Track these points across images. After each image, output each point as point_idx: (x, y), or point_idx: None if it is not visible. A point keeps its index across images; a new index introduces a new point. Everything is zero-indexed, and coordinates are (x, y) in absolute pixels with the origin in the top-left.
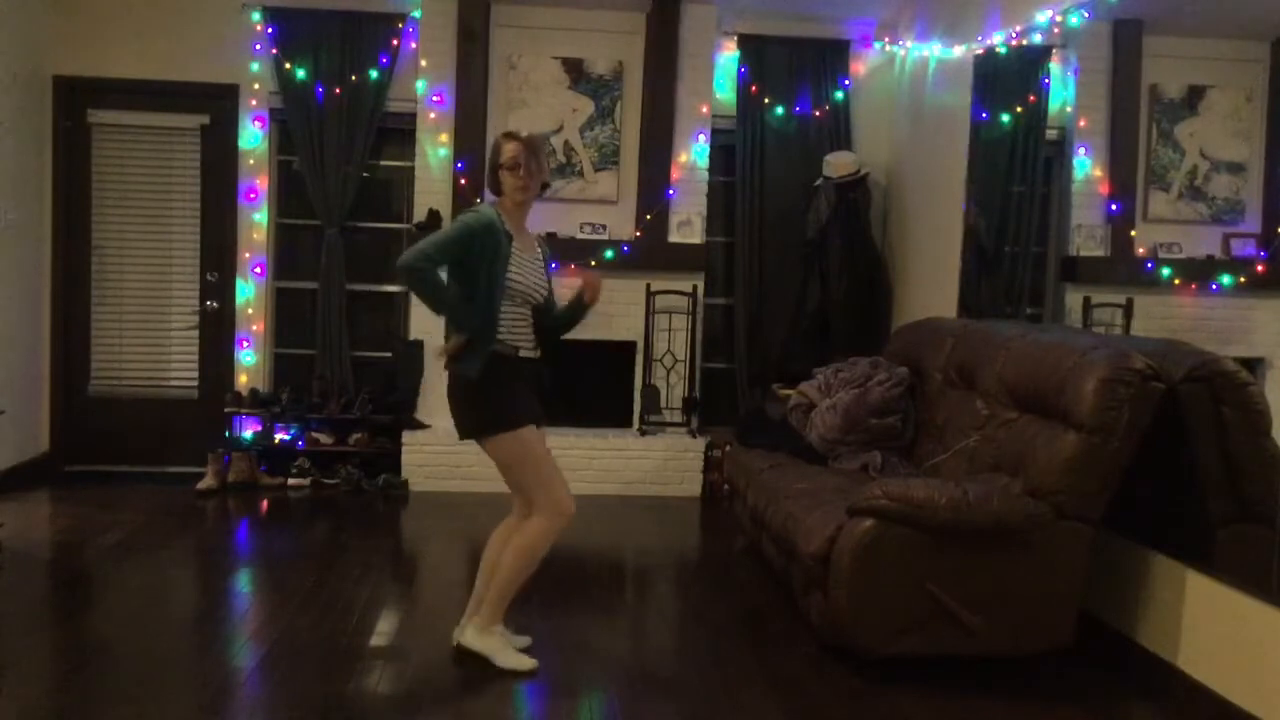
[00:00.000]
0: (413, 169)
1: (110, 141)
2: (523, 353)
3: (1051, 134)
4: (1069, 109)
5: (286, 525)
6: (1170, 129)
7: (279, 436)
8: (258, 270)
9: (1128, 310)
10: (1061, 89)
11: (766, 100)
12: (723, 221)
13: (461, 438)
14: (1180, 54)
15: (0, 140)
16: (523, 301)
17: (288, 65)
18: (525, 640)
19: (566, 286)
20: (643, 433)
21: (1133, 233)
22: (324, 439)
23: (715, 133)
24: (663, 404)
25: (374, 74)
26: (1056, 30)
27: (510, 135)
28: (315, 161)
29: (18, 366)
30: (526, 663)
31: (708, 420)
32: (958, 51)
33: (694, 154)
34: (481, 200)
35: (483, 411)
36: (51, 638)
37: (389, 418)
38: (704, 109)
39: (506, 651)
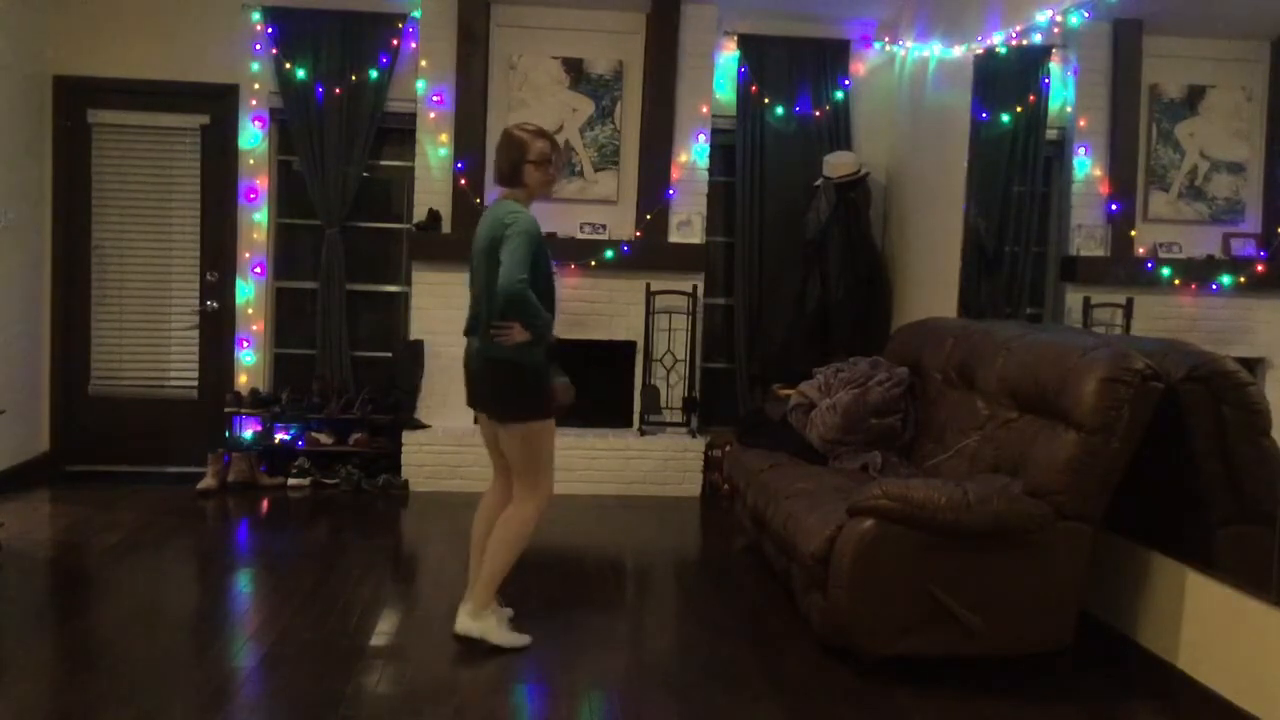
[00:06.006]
0: (413, 169)
1: (110, 141)
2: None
3: (1051, 134)
4: (1069, 109)
5: (286, 525)
6: (1170, 129)
7: (279, 436)
8: (258, 270)
9: (1128, 310)
10: (1061, 89)
11: (766, 100)
12: (723, 221)
13: (505, 422)
14: (1180, 54)
15: (0, 140)
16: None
17: (288, 65)
18: (509, 611)
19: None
20: (643, 433)
21: (1133, 233)
22: (324, 439)
23: (715, 133)
24: (663, 404)
25: (374, 74)
26: (1056, 30)
27: (541, 133)
28: (315, 161)
29: (18, 366)
30: (520, 639)
31: (708, 420)
32: (958, 51)
33: (694, 154)
34: (481, 200)
35: (535, 397)
36: (51, 638)
37: (389, 418)
38: (704, 109)
39: (500, 630)
